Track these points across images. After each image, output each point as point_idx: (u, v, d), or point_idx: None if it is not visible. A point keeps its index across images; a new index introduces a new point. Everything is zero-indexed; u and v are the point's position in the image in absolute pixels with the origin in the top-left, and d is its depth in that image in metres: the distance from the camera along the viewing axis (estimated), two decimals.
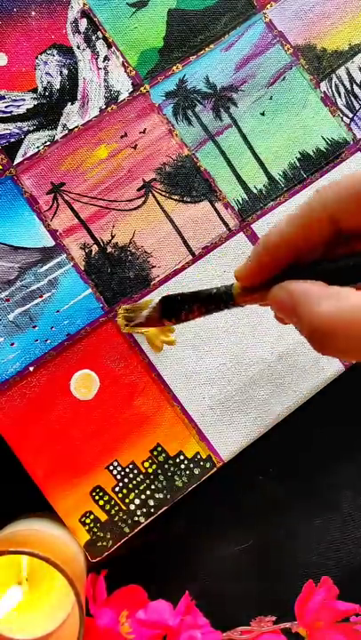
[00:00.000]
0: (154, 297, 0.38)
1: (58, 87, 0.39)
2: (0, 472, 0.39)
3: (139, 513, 0.38)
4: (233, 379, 0.39)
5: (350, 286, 0.22)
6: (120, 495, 0.38)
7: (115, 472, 0.38)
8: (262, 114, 0.40)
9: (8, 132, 0.38)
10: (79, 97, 0.39)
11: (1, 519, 0.38)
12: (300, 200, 0.40)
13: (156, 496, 0.38)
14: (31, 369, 0.37)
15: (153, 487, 0.38)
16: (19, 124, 0.38)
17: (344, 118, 0.41)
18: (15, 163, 0.38)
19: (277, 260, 0.24)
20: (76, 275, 0.38)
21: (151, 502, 0.38)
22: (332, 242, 0.23)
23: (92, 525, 0.37)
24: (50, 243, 0.38)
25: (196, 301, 0.29)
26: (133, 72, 0.39)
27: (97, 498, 0.37)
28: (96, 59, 0.39)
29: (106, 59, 0.39)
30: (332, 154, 0.41)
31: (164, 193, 0.39)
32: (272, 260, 0.24)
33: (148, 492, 0.38)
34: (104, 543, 0.37)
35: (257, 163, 0.40)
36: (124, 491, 0.38)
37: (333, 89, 0.41)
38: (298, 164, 0.40)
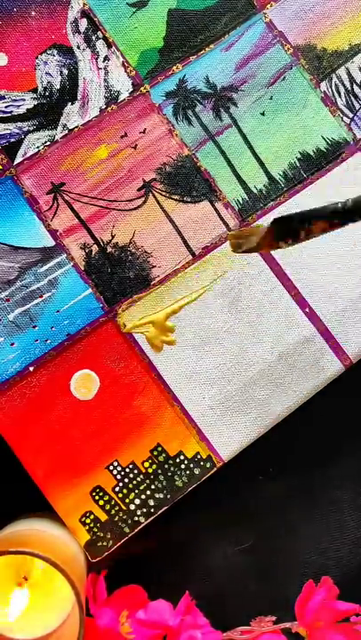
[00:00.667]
0: (155, 296, 0.38)
1: (58, 87, 0.39)
2: (0, 472, 0.39)
3: (139, 513, 0.38)
4: (233, 379, 0.39)
5: None
6: (120, 495, 0.38)
7: (115, 472, 0.38)
8: (262, 114, 0.40)
9: (8, 131, 0.38)
10: (79, 97, 0.39)
11: (1, 519, 0.38)
12: (300, 200, 0.40)
13: (157, 496, 0.38)
14: (31, 369, 0.37)
15: (153, 487, 0.38)
16: (19, 123, 0.38)
17: (344, 118, 0.41)
18: (15, 163, 0.38)
19: None
20: (76, 275, 0.38)
21: (151, 502, 0.38)
22: None
23: (92, 525, 0.37)
24: (50, 243, 0.38)
25: (318, 218, 0.28)
26: (133, 72, 0.39)
27: (97, 498, 0.37)
28: (96, 59, 0.39)
29: (106, 59, 0.39)
30: (333, 154, 0.41)
31: (164, 193, 0.39)
32: None
33: (148, 492, 0.38)
34: (104, 543, 0.37)
35: (257, 163, 0.40)
36: (125, 491, 0.38)
37: (334, 89, 0.41)
38: (298, 164, 0.40)
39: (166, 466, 0.38)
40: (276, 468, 0.41)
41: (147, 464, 0.38)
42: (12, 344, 0.37)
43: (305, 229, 0.28)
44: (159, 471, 0.38)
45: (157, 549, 0.40)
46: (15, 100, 0.38)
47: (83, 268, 0.38)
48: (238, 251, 0.33)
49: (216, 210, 0.40)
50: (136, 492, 0.38)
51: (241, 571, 0.41)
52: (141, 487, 0.38)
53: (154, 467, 0.38)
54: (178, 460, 0.38)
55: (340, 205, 0.27)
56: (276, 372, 0.39)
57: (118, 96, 0.39)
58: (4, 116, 0.38)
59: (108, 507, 0.37)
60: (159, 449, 0.38)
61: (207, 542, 0.41)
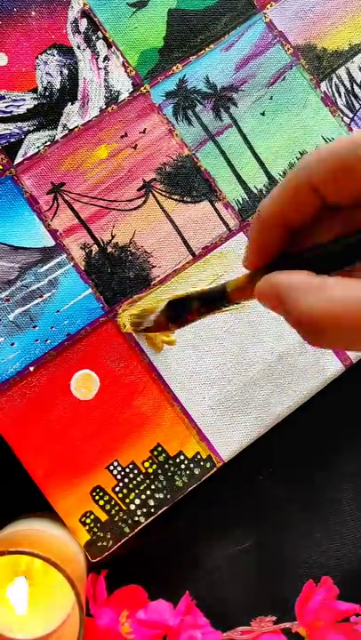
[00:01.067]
0: (155, 296, 0.38)
1: (58, 87, 0.39)
2: (0, 472, 0.39)
3: (139, 513, 0.38)
4: (233, 379, 0.39)
5: (342, 270, 0.21)
6: (120, 495, 0.38)
7: (115, 472, 0.38)
8: (262, 114, 0.40)
9: (8, 131, 0.38)
10: (79, 97, 0.39)
11: (1, 519, 0.38)
12: None
13: (157, 496, 0.38)
14: (31, 369, 0.37)
15: (153, 487, 0.38)
16: (19, 123, 0.38)
17: (344, 118, 0.41)
18: (15, 163, 0.38)
19: (271, 233, 0.23)
20: (76, 275, 0.38)
21: (151, 502, 0.38)
22: (321, 215, 0.22)
23: (92, 525, 0.37)
24: (50, 243, 0.38)
25: (195, 301, 0.29)
26: (133, 72, 0.39)
27: (97, 498, 0.37)
28: (96, 59, 0.39)
29: (106, 59, 0.39)
30: None
31: (164, 193, 0.39)
32: (267, 234, 0.23)
33: (148, 492, 0.38)
34: (104, 543, 0.37)
35: (257, 163, 0.40)
36: (125, 491, 0.38)
37: (334, 89, 0.41)
38: None
39: (166, 466, 0.38)
40: (276, 468, 0.41)
41: (147, 464, 0.38)
42: (13, 344, 0.37)
43: (187, 312, 0.29)
44: (159, 471, 0.38)
45: (157, 549, 0.40)
46: (15, 100, 0.38)
47: (83, 268, 0.38)
48: (137, 329, 0.35)
49: (216, 210, 0.40)
50: (136, 491, 0.38)
51: (241, 571, 0.41)
52: (141, 487, 0.38)
53: (154, 467, 0.38)
54: (178, 460, 0.38)
55: (208, 290, 0.28)
56: (276, 372, 0.39)
57: (118, 96, 0.39)
58: (5, 115, 0.38)
59: (108, 507, 0.37)
60: (159, 449, 0.38)
61: (207, 542, 0.41)
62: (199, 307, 0.29)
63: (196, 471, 0.38)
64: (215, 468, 0.38)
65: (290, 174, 0.22)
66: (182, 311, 0.30)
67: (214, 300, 0.28)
